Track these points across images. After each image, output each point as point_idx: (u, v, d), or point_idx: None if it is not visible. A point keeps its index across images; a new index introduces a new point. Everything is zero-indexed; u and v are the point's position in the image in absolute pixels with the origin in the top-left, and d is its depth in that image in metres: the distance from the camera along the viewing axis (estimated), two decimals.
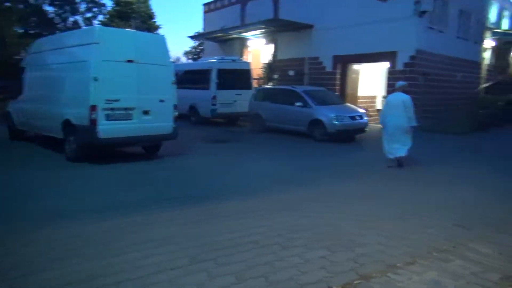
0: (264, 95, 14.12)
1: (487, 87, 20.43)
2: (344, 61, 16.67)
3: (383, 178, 7.41)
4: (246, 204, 5.46)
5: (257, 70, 18.95)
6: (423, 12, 14.09)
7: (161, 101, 8.31)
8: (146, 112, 8.10)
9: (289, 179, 7.13)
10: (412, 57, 14.31)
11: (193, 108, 15.27)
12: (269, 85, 17.61)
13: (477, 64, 19.71)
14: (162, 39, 8.77)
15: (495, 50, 21.49)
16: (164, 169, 7.78)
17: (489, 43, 20.41)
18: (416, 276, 3.31)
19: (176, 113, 8.66)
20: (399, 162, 8.24)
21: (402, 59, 14.51)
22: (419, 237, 4.28)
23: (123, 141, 8.13)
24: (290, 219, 4.80)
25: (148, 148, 9.14)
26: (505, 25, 23.30)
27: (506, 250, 3.97)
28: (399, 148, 8.18)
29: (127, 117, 7.92)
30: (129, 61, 7.85)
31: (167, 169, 7.84)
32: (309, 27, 17.21)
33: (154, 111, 8.20)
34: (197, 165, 8.23)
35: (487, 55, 20.64)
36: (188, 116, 15.20)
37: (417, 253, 3.82)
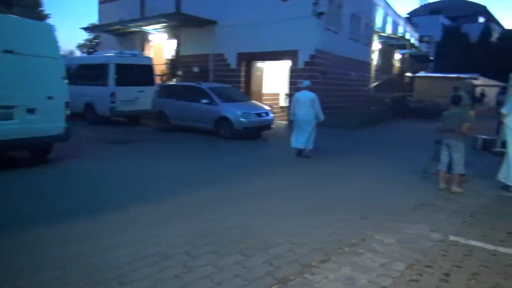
0: (168, 92, 13.54)
1: (376, 86, 22.39)
2: (249, 59, 16.80)
3: (291, 173, 7.55)
4: (150, 211, 5.04)
5: (159, 66, 18.14)
6: (321, 14, 14.79)
7: (50, 98, 7.34)
8: (31, 111, 7.07)
9: (197, 179, 6.83)
10: (312, 56, 14.95)
11: (89, 106, 13.97)
12: (173, 82, 16.99)
13: (367, 64, 21.43)
14: (50, 28, 7.74)
15: (381, 52, 23.63)
16: (54, 177, 6.88)
17: (376, 45, 22.35)
18: (332, 274, 3.31)
19: (68, 112, 7.75)
20: (305, 154, 9.02)
21: (303, 57, 15.08)
22: (329, 232, 4.35)
23: (3, 145, 6.97)
24: (198, 224, 4.53)
25: (35, 152, 8.03)
26: (389, 29, 25.79)
27: (405, 238, 4.21)
28: (305, 141, 8.96)
29: (7, 117, 6.82)
30: (8, 51, 6.75)
31: (58, 176, 6.95)
32: (213, 23, 16.97)
33: (41, 110, 7.21)
34: (95, 169, 7.46)
35: (375, 56, 22.58)
36: (84, 115, 13.92)
37: (329, 249, 3.84)
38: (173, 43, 18.57)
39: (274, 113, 13.55)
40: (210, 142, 11.08)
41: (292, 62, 15.45)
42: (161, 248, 3.79)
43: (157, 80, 15.79)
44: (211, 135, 11.77)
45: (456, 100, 6.38)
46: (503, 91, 19.00)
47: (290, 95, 14.09)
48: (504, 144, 7.22)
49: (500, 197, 6.07)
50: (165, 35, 18.74)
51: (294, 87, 13.79)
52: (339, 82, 17.38)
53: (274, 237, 4.14)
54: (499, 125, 10.11)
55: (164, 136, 11.90)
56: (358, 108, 17.40)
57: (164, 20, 16.98)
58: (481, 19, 46.90)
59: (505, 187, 6.36)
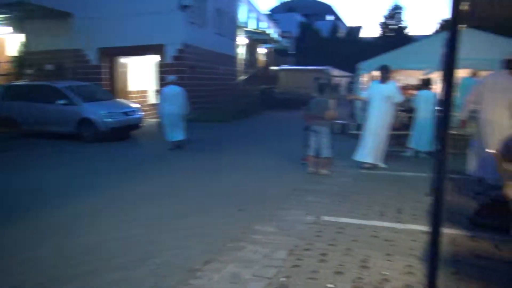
0: (16, 93, 11.75)
1: (245, 79, 23.11)
2: (111, 54, 15.63)
3: (166, 173, 7.22)
4: (11, 232, 4.23)
5: (2, 64, 15.67)
6: (185, 7, 14.56)
7: None
8: None
9: (58, 193, 6.01)
10: (179, 50, 14.66)
11: None
12: (22, 82, 14.81)
13: (234, 58, 21.96)
14: None
15: (247, 46, 24.50)
16: None
17: (242, 40, 23.05)
18: (216, 274, 3.17)
19: None
20: (179, 144, 9.40)
21: (170, 52, 14.69)
22: (212, 230, 4.23)
23: None
24: (70, 242, 3.95)
25: None
26: (252, 25, 26.85)
27: (283, 225, 4.33)
28: (177, 133, 9.30)
29: None
30: None
31: None
32: (67, 15, 15.26)
33: None
34: None
35: (241, 51, 23.29)
36: None
37: (213, 248, 3.71)
38: (20, 37, 16.20)
39: (144, 111, 12.91)
40: (72, 148, 9.98)
41: (159, 57, 14.91)
42: (24, 278, 3.18)
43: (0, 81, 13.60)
44: (73, 139, 10.61)
45: (322, 88, 6.86)
46: (352, 81, 21.48)
47: (159, 91, 13.58)
48: (359, 127, 8.06)
49: (359, 175, 6.76)
50: (9, 28, 16.22)
51: (163, 83, 13.31)
52: (208, 76, 17.43)
53: (155, 244, 3.85)
54: (352, 110, 11.38)
55: (14, 145, 10.26)
56: (228, 101, 17.72)
57: (3, 10, 14.61)
58: (330, 17, 52.34)
59: (360, 165, 7.12)
